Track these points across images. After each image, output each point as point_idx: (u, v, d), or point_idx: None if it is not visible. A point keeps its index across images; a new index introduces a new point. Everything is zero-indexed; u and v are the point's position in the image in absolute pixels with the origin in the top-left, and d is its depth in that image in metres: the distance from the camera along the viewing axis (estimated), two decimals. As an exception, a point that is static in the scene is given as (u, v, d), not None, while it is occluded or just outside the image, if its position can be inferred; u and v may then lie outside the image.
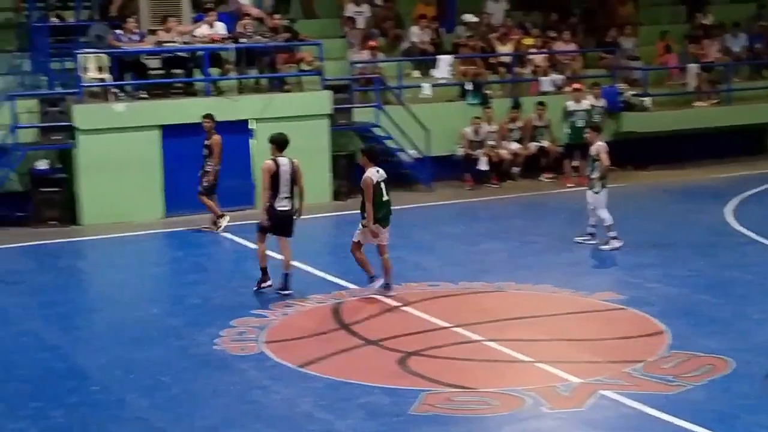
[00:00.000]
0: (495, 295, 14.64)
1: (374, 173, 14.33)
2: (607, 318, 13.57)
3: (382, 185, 14.33)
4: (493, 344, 12.41)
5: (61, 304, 14.85)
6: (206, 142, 18.73)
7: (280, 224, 14.70)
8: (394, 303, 14.19)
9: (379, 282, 14.55)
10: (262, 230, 14.82)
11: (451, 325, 13.14)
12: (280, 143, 14.73)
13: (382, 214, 14.34)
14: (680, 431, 9.82)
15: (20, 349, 12.75)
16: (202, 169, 18.77)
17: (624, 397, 10.63)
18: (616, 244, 16.74)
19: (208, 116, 18.75)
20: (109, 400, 10.98)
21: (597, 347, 12.37)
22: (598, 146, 16.94)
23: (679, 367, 11.46)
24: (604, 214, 16.79)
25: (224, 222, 18.85)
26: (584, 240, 17.08)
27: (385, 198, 14.36)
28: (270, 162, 14.52)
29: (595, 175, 16.80)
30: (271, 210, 14.54)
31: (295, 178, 14.62)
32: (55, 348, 12.75)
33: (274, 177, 14.45)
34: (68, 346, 12.83)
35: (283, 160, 14.60)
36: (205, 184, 18.73)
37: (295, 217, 14.75)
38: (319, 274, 15.70)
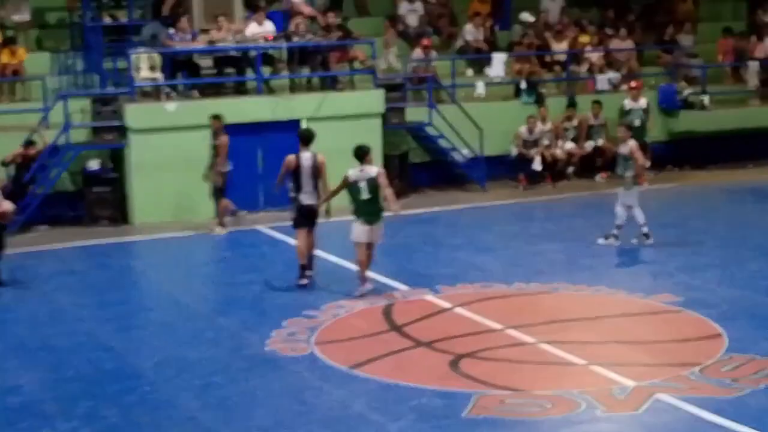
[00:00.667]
0: (549, 296, 14.62)
1: (355, 171, 14.66)
2: (663, 320, 13.51)
3: (361, 185, 14.56)
4: (546, 346, 12.40)
5: (114, 304, 15.01)
6: (213, 143, 18.86)
7: (303, 217, 15.21)
8: (446, 304, 14.20)
9: (367, 288, 14.76)
10: (294, 226, 15.34)
11: (505, 326, 13.15)
12: (302, 138, 15.35)
13: (361, 213, 14.67)
14: (739, 437, 9.78)
15: (74, 348, 12.90)
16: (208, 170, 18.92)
17: (681, 401, 10.59)
18: (647, 240, 16.94)
19: (216, 117, 18.88)
20: (161, 399, 11.11)
21: (653, 350, 12.32)
22: (631, 145, 17.03)
23: (738, 370, 11.40)
24: (639, 215, 16.91)
25: (222, 232, 19.05)
26: (608, 241, 17.18)
27: (364, 197, 14.58)
28: (291, 156, 15.03)
29: (629, 173, 16.86)
30: (297, 204, 15.15)
31: (317, 173, 15.01)
32: (108, 348, 12.90)
33: (296, 171, 15.01)
34: (121, 346, 12.98)
35: (305, 155, 15.07)
36: (217, 185, 18.86)
37: (313, 209, 15.19)
38: (371, 275, 15.74)
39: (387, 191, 14.83)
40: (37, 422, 10.57)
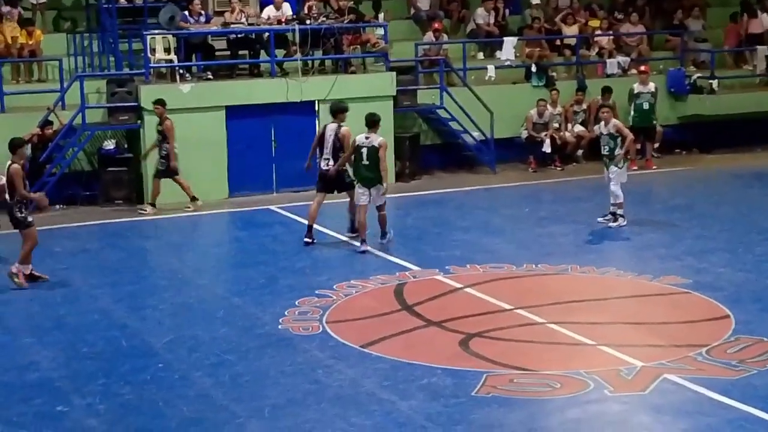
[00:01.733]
0: (558, 277, 14.61)
1: (361, 137, 15.95)
2: (671, 302, 13.47)
3: (363, 150, 15.78)
4: (555, 327, 12.40)
5: (128, 283, 15.04)
6: (159, 128, 19.15)
7: (321, 181, 16.61)
8: (457, 284, 14.20)
9: (364, 247, 15.92)
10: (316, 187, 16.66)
11: (514, 307, 13.14)
12: (331, 110, 16.87)
13: (358, 176, 15.99)
14: (745, 416, 9.75)
15: (89, 327, 12.92)
16: (159, 153, 19.19)
17: (688, 381, 10.57)
18: (622, 222, 17.08)
19: (159, 102, 19.24)
20: (175, 378, 11.11)
21: (660, 331, 12.30)
22: (616, 123, 17.31)
23: (744, 351, 11.38)
24: (618, 191, 17.04)
25: (150, 210, 19.31)
26: (606, 220, 17.28)
27: (363, 162, 15.80)
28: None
29: (618, 152, 17.00)
30: (319, 168, 16.68)
31: (340, 144, 16.22)
32: (122, 326, 12.92)
33: (320, 139, 16.51)
34: (135, 325, 12.99)
35: (330, 126, 16.39)
36: (161, 167, 19.17)
37: (329, 174, 16.37)
38: (382, 255, 15.75)
39: (383, 164, 15.90)
40: (52, 398, 10.60)
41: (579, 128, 23.06)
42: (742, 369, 10.88)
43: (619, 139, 16.95)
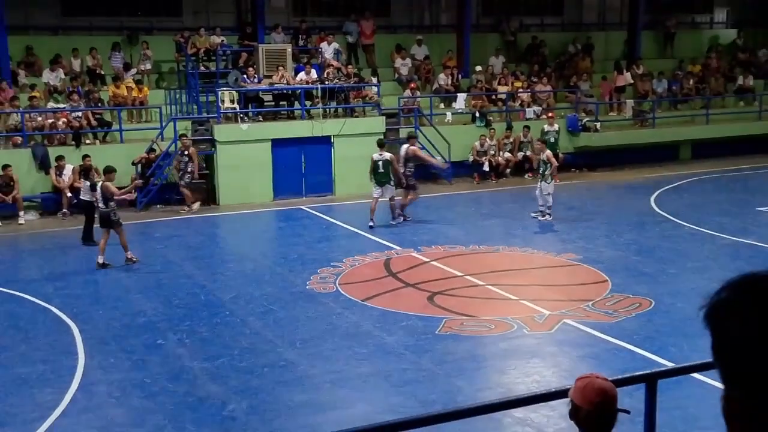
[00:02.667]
0: (494, 254, 14.63)
1: (376, 155, 16.70)
2: (569, 271, 13.51)
3: (379, 163, 16.64)
4: (491, 287, 12.43)
5: (206, 257, 15.03)
6: (186, 153, 18.93)
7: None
8: (425, 259, 14.22)
9: (372, 223, 16.41)
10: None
11: (464, 274, 13.16)
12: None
13: (375, 179, 16.67)
14: (618, 347, 9.79)
15: (178, 286, 12.94)
16: (184, 170, 18.96)
17: (580, 324, 10.61)
18: (549, 218, 17.08)
19: (184, 136, 19.20)
20: (237, 321, 11.13)
21: (562, 290, 12.34)
22: (547, 153, 17.31)
23: (618, 304, 11.42)
24: (550, 199, 17.10)
25: (195, 207, 18.98)
26: (536, 215, 17.28)
27: (379, 171, 16.63)
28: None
29: (548, 172, 17.00)
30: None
31: (387, 165, 16.75)
32: (202, 286, 12.92)
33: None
34: (210, 285, 13.00)
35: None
36: (188, 180, 18.99)
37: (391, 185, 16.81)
38: (375, 239, 15.76)
39: (396, 169, 16.95)
40: (154, 335, 10.60)
41: (507, 155, 22.98)
42: (616, 316, 10.93)
43: (548, 165, 16.99)
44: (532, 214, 17.37)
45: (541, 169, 17.22)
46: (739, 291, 1.32)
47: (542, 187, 17.06)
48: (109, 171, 14.46)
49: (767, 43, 30.28)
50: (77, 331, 10.70)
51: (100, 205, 14.13)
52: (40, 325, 11.08)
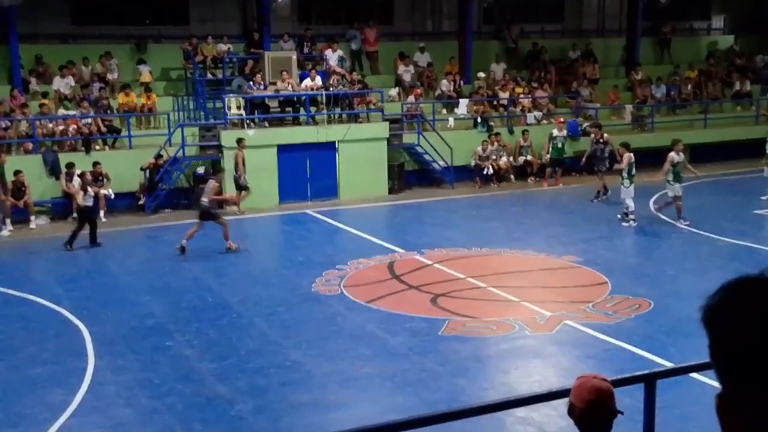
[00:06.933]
0: (496, 257, 14.61)
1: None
2: (569, 273, 13.49)
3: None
4: (493, 289, 12.42)
5: (212, 259, 15.02)
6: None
7: None
8: (428, 261, 14.20)
9: None
10: None
11: (466, 276, 13.16)
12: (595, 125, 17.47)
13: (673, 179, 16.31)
14: (617, 347, 9.77)
15: (186, 288, 12.94)
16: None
17: (580, 325, 10.59)
18: (633, 223, 16.60)
19: (242, 140, 19.28)
20: (243, 322, 11.13)
21: (562, 292, 12.32)
22: (627, 156, 16.88)
23: (617, 305, 11.41)
24: (630, 203, 16.67)
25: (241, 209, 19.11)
26: (620, 220, 16.84)
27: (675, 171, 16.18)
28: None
29: (625, 176, 16.72)
30: None
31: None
32: (209, 288, 12.92)
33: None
34: (217, 287, 13.00)
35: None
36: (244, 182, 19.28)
37: None
38: (379, 242, 15.76)
39: None
40: (163, 336, 10.60)
41: (521, 158, 22.86)
42: (616, 317, 10.91)
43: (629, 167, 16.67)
44: (618, 216, 17.02)
45: (622, 173, 16.98)
46: (735, 293, 1.33)
47: (622, 192, 16.83)
48: (217, 171, 15.72)
49: (763, 48, 30.26)
50: (87, 333, 10.71)
51: (204, 199, 15.15)
52: (50, 327, 11.09)
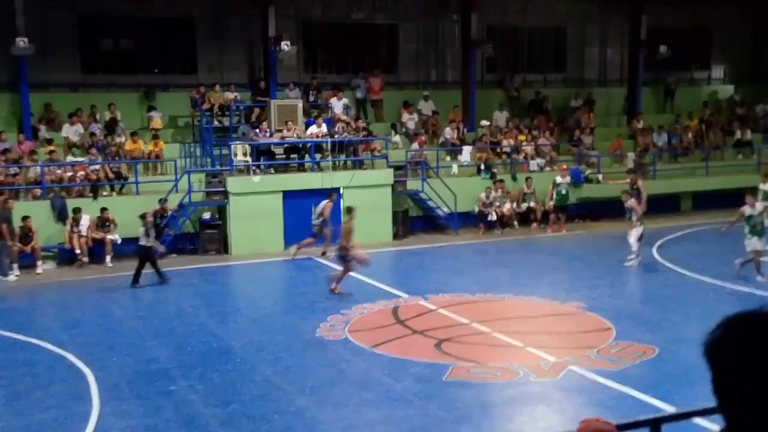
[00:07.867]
0: (499, 302, 14.59)
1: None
2: (573, 318, 13.45)
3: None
4: (497, 334, 12.37)
5: (217, 305, 15.04)
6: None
7: None
8: (432, 306, 14.18)
9: None
10: None
11: (470, 321, 13.12)
12: None
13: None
14: (622, 393, 9.70)
15: (190, 333, 12.92)
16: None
17: (585, 370, 10.53)
18: (634, 263, 16.91)
19: (334, 193, 19.31)
20: (247, 368, 11.08)
21: (567, 337, 12.28)
22: (631, 202, 17.32)
23: (622, 351, 11.35)
24: (634, 245, 17.02)
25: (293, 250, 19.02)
26: (631, 264, 17.10)
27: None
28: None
29: (635, 218, 17.11)
30: None
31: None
32: (213, 334, 12.90)
33: None
34: (222, 333, 12.97)
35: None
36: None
37: None
38: (384, 287, 15.75)
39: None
40: (167, 381, 10.56)
41: (513, 205, 23.00)
42: (621, 363, 10.85)
43: (632, 211, 17.08)
44: (627, 262, 17.23)
45: (627, 216, 17.35)
46: (732, 328, 1.36)
47: (629, 234, 17.06)
48: (349, 210, 15.41)
49: (763, 98, 30.53)
50: (92, 378, 10.67)
51: (342, 242, 15.14)
52: (55, 372, 11.06)
